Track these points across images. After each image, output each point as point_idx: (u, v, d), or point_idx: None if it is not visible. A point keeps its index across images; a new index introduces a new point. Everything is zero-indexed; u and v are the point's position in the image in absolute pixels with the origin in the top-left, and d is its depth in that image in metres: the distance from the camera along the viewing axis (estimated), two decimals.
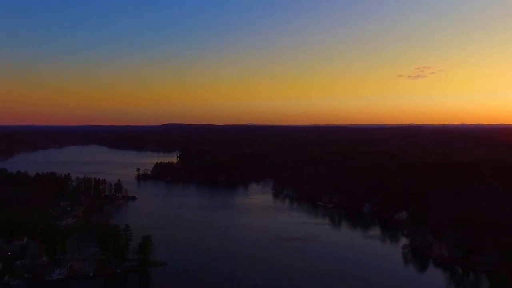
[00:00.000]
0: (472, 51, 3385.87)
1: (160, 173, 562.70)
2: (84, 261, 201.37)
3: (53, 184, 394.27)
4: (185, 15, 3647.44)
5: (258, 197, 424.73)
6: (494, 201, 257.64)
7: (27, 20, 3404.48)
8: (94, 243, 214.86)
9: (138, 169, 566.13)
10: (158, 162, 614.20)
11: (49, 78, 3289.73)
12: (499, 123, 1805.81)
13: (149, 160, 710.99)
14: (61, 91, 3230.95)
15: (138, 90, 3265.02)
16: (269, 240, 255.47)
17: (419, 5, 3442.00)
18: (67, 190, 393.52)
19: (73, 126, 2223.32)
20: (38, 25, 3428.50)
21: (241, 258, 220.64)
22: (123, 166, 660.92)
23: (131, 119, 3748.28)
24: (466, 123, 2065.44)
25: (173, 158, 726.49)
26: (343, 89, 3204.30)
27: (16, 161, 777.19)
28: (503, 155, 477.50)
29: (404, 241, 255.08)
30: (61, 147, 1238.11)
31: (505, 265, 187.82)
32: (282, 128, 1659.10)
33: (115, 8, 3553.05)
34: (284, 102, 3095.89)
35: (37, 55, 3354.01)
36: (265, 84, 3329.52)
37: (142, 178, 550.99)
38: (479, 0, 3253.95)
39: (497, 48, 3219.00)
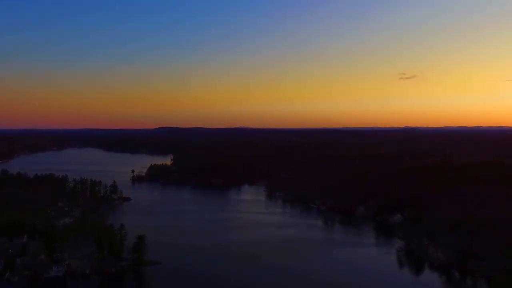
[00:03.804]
0: (470, 53, 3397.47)
1: (155, 175, 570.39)
2: (81, 259, 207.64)
3: (51, 185, 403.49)
4: (178, 21, 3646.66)
5: (250, 199, 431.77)
6: (493, 205, 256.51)
7: (25, 24, 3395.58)
8: (91, 242, 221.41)
9: (133, 171, 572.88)
10: (153, 164, 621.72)
11: (47, 83, 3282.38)
12: (498, 125, 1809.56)
13: (144, 162, 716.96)
14: (58, 95, 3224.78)
15: (133, 94, 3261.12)
16: (265, 239, 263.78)
17: (414, 6, 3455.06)
18: (64, 191, 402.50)
19: (70, 130, 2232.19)
20: (36, 30, 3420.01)
21: (234, 256, 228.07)
22: (118, 168, 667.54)
23: (126, 122, 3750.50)
24: (463, 125, 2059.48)
25: (167, 161, 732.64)
26: (336, 93, 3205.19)
27: (17, 163, 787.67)
28: (503, 158, 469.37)
29: (399, 244, 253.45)
30: (59, 149, 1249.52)
31: (505, 270, 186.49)
32: (275, 131, 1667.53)
33: (112, 13, 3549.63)
34: (277, 106, 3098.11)
35: (35, 60, 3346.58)
36: (258, 87, 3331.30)
37: (136, 180, 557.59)
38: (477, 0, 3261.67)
39: (497, 49, 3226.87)
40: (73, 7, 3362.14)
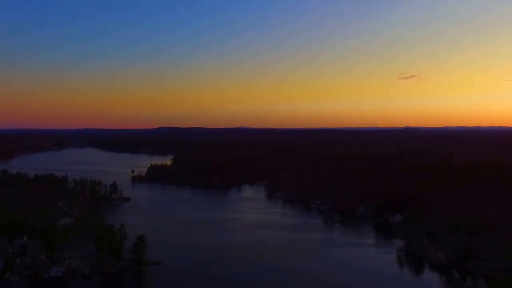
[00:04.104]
0: (471, 53, 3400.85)
1: (155, 175, 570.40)
2: (81, 259, 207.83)
3: (51, 185, 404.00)
4: (179, 22, 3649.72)
5: (250, 199, 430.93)
6: (493, 205, 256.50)
7: (26, 24, 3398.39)
8: (91, 242, 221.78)
9: (133, 171, 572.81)
10: (152, 164, 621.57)
11: (47, 83, 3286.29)
12: (498, 125, 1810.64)
13: (144, 162, 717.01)
14: (58, 96, 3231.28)
15: (133, 94, 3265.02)
16: (265, 239, 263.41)
17: (416, 7, 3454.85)
18: (65, 191, 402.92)
19: (70, 129, 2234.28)
20: (37, 31, 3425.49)
21: (234, 257, 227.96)
22: (118, 168, 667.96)
23: (126, 122, 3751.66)
24: (463, 125, 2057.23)
25: (167, 161, 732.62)
26: (337, 93, 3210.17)
27: (16, 163, 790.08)
28: (503, 158, 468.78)
29: (399, 244, 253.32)
30: (59, 149, 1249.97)
31: (505, 270, 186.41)
32: (275, 131, 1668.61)
33: (113, 15, 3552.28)
34: (277, 106, 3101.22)
35: (34, 60, 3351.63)
36: (258, 88, 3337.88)
37: (136, 179, 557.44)
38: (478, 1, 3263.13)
39: (497, 50, 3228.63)
40: (74, 9, 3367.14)
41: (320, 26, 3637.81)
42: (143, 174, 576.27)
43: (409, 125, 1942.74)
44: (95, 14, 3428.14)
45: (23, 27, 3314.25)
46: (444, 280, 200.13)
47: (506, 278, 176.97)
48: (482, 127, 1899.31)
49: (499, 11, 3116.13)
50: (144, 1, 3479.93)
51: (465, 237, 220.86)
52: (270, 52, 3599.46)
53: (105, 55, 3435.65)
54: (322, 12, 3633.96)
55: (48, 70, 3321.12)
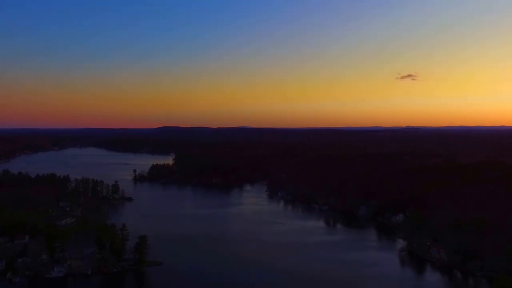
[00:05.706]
0: (472, 53, 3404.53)
1: (156, 175, 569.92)
2: (82, 259, 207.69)
3: (53, 185, 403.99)
4: (181, 21, 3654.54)
5: (252, 199, 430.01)
6: (495, 204, 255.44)
7: (27, 25, 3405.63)
8: (92, 242, 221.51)
9: (134, 171, 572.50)
10: (154, 164, 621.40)
11: (49, 83, 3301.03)
12: (500, 125, 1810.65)
13: (145, 162, 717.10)
14: (60, 95, 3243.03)
15: (135, 94, 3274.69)
16: (267, 239, 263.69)
17: (417, 6, 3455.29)
18: (66, 191, 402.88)
19: (72, 129, 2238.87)
20: (38, 31, 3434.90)
21: (235, 258, 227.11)
22: (120, 168, 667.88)
23: (127, 122, 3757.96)
24: (465, 125, 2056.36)
25: (169, 160, 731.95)
26: (337, 92, 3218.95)
27: (18, 162, 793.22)
28: (505, 157, 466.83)
29: (401, 244, 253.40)
30: (60, 149, 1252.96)
31: (506, 270, 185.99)
32: (276, 131, 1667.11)
33: (115, 16, 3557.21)
34: (278, 105, 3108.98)
35: (36, 60, 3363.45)
36: (259, 88, 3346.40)
37: (138, 179, 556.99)
38: (478, 1, 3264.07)
39: (498, 49, 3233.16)
40: (76, 10, 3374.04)
41: (320, 26, 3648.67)
42: (145, 174, 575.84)
43: (411, 125, 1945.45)
44: (98, 14, 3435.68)
45: (23, 28, 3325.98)
46: (446, 280, 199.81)
47: (507, 278, 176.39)
48: (484, 126, 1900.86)
49: (499, 11, 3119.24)
50: (145, 1, 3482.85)
51: (466, 237, 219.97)
52: (271, 52, 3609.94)
53: (107, 55, 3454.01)
54: (322, 12, 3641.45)
55: (50, 70, 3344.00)
